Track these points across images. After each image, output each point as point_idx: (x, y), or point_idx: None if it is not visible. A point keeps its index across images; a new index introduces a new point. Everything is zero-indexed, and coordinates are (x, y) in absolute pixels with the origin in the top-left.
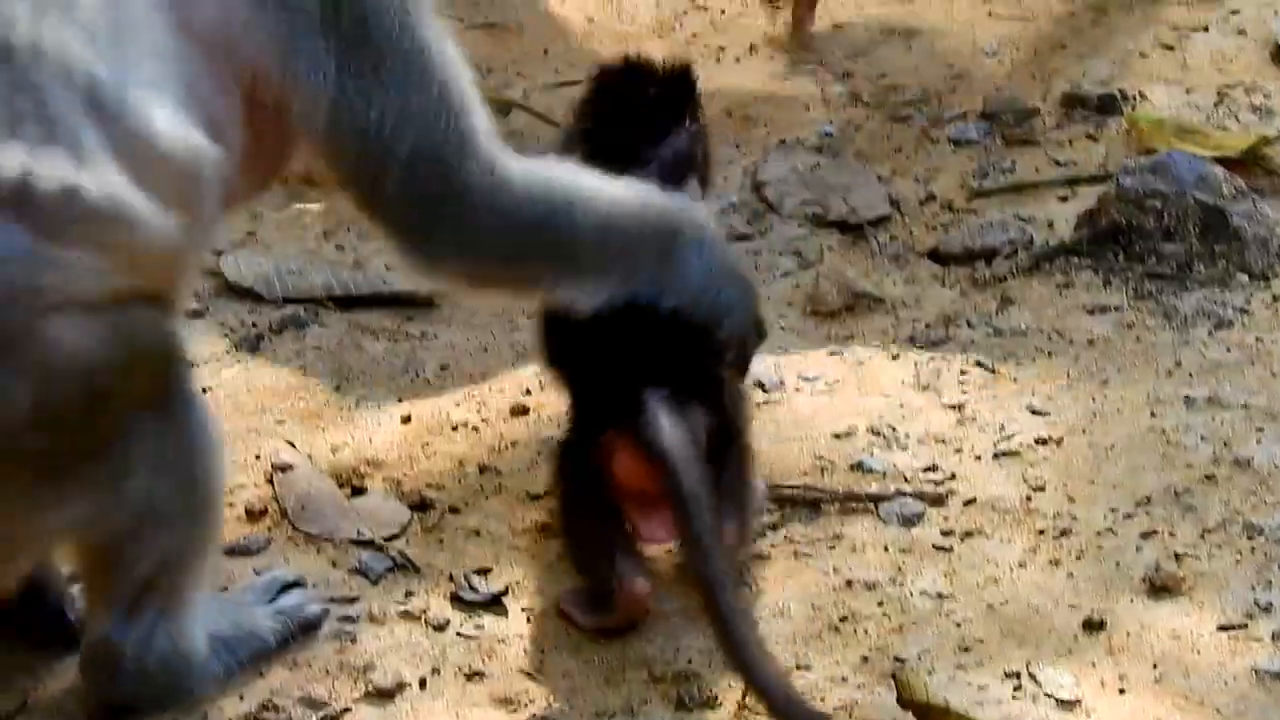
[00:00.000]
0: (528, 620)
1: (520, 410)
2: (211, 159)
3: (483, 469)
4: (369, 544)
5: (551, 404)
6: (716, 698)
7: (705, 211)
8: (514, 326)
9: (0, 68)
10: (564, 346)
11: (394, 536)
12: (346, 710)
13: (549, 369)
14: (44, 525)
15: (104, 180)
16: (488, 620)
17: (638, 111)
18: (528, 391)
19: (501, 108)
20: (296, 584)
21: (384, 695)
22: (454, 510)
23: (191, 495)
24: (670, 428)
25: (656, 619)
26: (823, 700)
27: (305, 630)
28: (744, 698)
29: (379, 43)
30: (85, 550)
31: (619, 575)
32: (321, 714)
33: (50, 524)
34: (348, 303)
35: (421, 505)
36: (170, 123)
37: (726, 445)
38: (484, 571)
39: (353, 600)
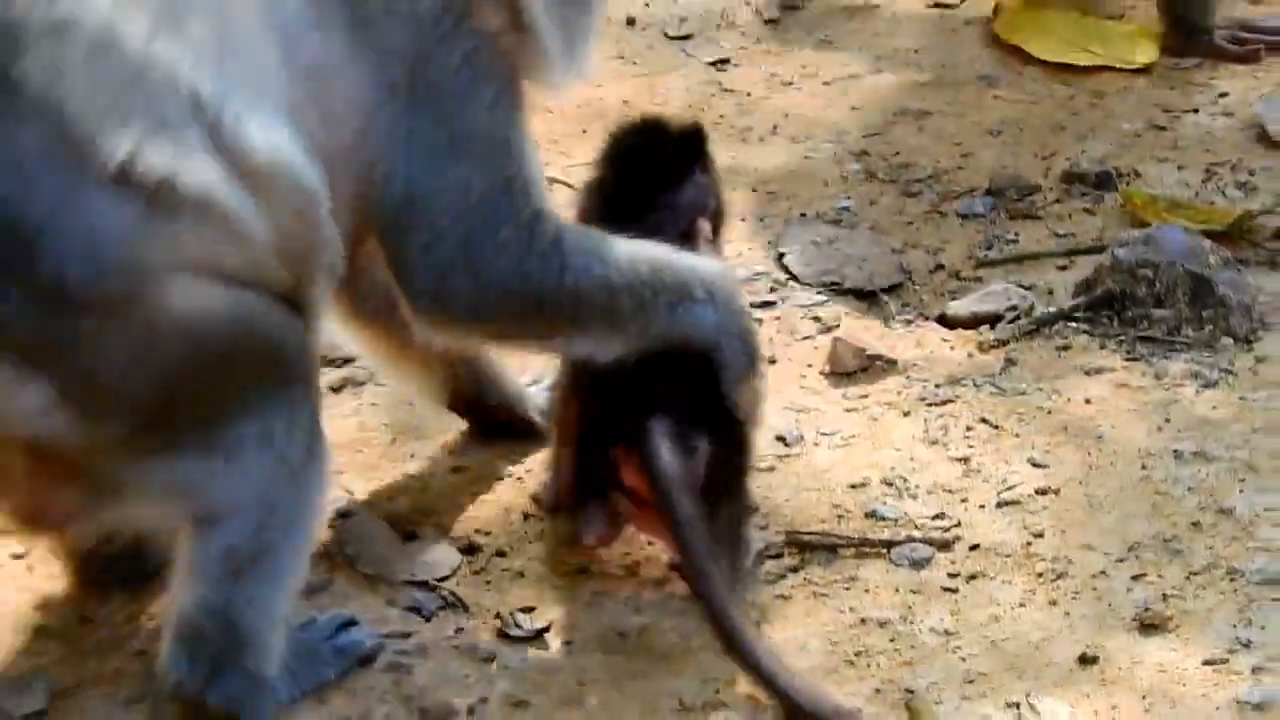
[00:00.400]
0: (568, 654)
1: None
2: (312, 178)
3: (526, 516)
4: (422, 584)
5: None
6: None
7: (721, 268)
8: None
9: (118, 71)
10: (580, 374)
11: (445, 577)
12: None
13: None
14: (147, 476)
15: (202, 173)
16: (531, 653)
17: (652, 163)
18: None
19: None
20: (354, 622)
21: None
22: (500, 554)
23: (293, 501)
24: (669, 456)
25: (686, 654)
26: None
27: (362, 664)
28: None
29: (448, 111)
30: (187, 528)
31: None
32: None
33: (154, 477)
34: None
35: (470, 549)
36: (266, 138)
37: (727, 478)
38: (528, 610)
39: (407, 635)
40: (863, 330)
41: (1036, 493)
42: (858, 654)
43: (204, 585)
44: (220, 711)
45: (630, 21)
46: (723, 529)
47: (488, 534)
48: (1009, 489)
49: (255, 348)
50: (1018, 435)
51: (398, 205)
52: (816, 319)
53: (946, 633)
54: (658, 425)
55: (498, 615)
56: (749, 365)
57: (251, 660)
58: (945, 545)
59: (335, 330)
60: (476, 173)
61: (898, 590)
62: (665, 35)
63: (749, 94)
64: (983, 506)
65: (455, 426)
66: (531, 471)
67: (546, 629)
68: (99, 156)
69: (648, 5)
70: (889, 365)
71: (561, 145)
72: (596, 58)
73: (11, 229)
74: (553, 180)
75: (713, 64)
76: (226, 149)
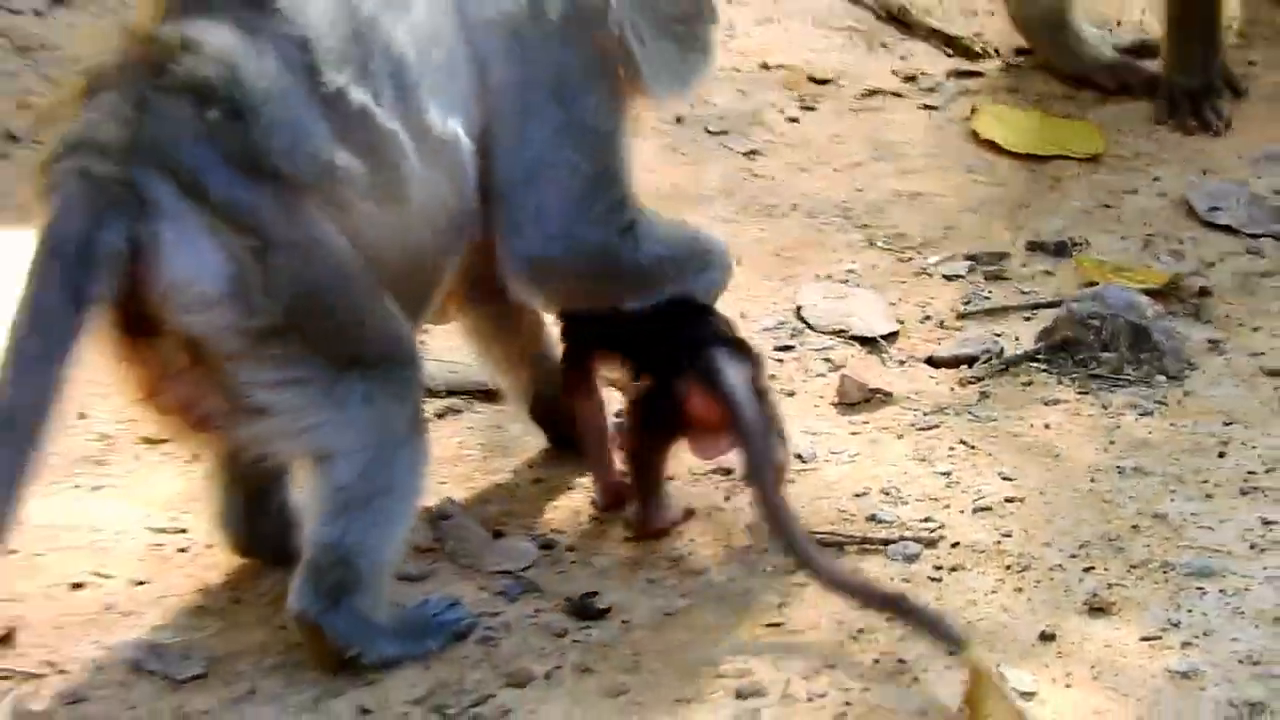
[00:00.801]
0: (626, 630)
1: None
2: (469, 156)
3: (592, 518)
4: (507, 573)
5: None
6: (765, 690)
7: (720, 241)
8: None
9: (348, 23)
10: (629, 335)
11: (526, 568)
12: (490, 695)
13: (608, 359)
14: (275, 396)
15: (387, 121)
16: (595, 630)
17: None
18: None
19: None
20: (456, 603)
21: (518, 685)
22: (570, 548)
23: (396, 465)
24: (734, 372)
25: (722, 630)
26: (846, 691)
27: (459, 637)
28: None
29: (567, 105)
30: (309, 466)
31: (660, 504)
32: (472, 697)
33: (280, 397)
34: (491, 396)
35: (547, 544)
36: (443, 116)
37: (760, 390)
38: (593, 594)
39: (496, 614)
40: (865, 369)
41: (1005, 500)
42: (860, 631)
43: (319, 520)
44: (334, 643)
45: (679, 119)
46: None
47: (561, 532)
48: (983, 497)
49: (379, 314)
50: (990, 454)
51: (517, 179)
52: (828, 360)
53: None
54: (717, 352)
55: (568, 598)
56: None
57: (361, 601)
58: (931, 543)
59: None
60: (583, 158)
61: (892, 579)
62: (707, 130)
63: (774, 178)
64: (962, 511)
65: (535, 446)
66: None
67: (608, 610)
68: (319, 78)
69: (692, 107)
70: (886, 397)
71: None
72: (700, 88)
73: (243, 100)
74: None
75: (745, 154)
76: (411, 113)
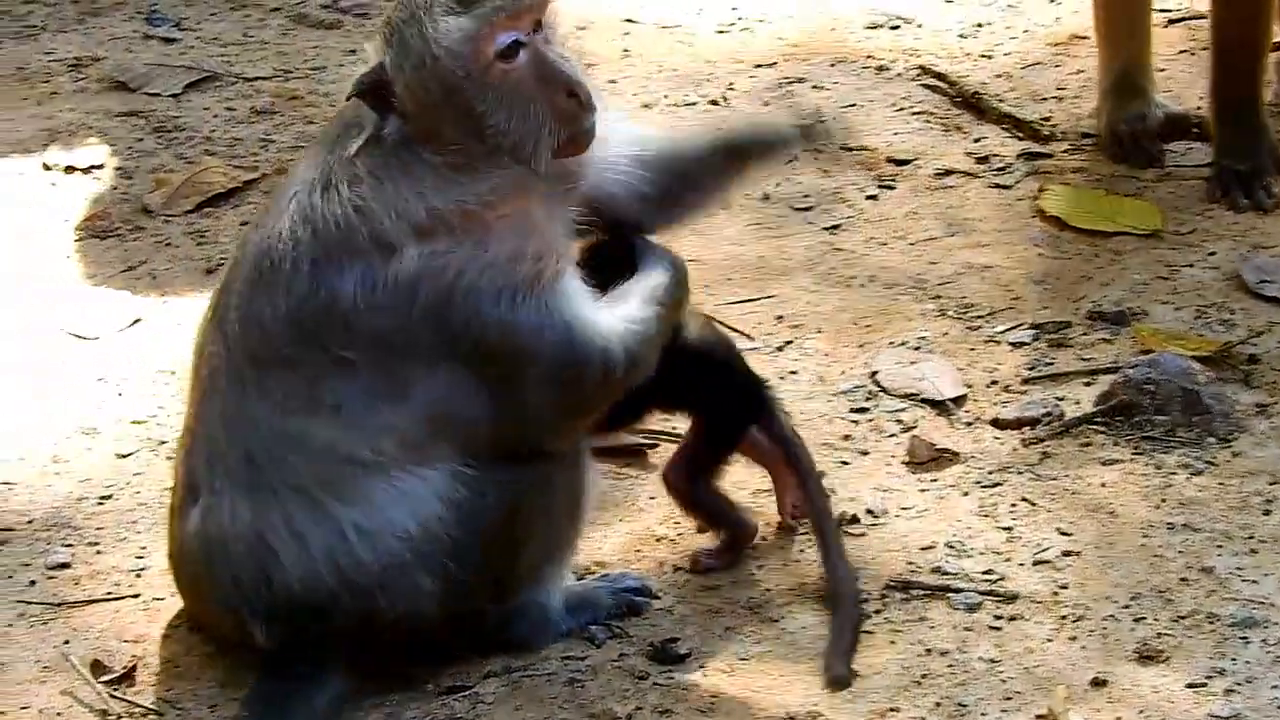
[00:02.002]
0: (704, 674)
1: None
2: None
3: (675, 569)
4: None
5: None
6: None
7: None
8: None
9: None
10: (685, 392)
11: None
12: None
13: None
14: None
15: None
16: (675, 674)
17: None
18: None
19: None
20: (636, 584)
21: None
22: (654, 596)
23: (568, 483)
24: (784, 416)
25: (795, 675)
26: None
27: (631, 612)
28: None
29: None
30: None
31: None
32: None
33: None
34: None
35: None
36: None
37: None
38: (673, 640)
39: (583, 658)
40: (934, 430)
41: (1063, 554)
42: (924, 676)
43: None
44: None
45: (765, 197)
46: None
47: (645, 581)
48: (1042, 551)
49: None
50: (1050, 511)
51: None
52: (899, 421)
53: (991, 661)
54: (768, 396)
55: (651, 643)
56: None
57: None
58: (992, 594)
59: None
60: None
61: (955, 628)
62: (791, 207)
63: (853, 251)
64: (1022, 564)
65: (622, 499)
66: (682, 535)
67: (688, 654)
68: None
69: (778, 185)
70: (953, 457)
71: (712, 289)
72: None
73: None
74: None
75: (826, 229)
76: None
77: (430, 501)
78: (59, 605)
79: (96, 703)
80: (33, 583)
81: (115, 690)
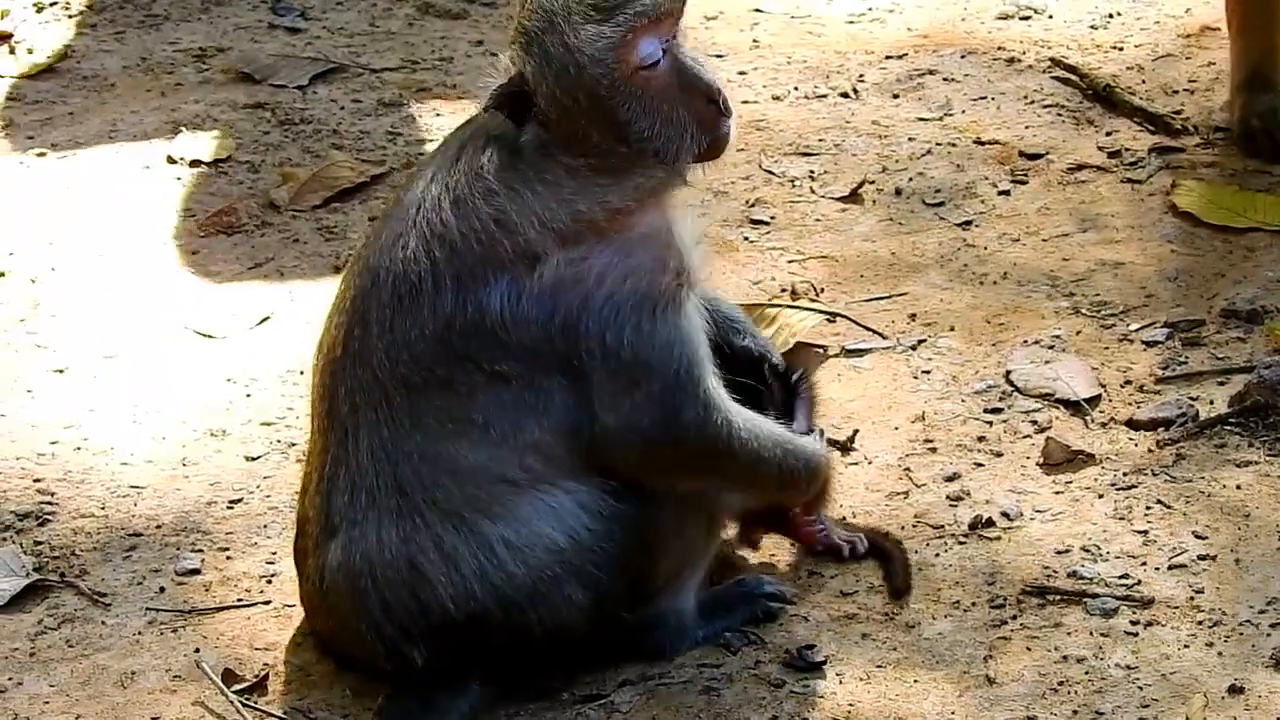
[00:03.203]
0: (840, 681)
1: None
2: None
3: (810, 573)
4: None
5: None
6: None
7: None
8: None
9: None
10: None
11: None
12: None
13: None
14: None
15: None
16: (812, 681)
17: None
18: None
19: (829, 317)
20: (769, 590)
21: None
22: (789, 602)
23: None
24: None
25: (929, 682)
26: None
27: (767, 618)
28: None
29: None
30: None
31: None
32: None
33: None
34: None
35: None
36: None
37: None
38: (810, 647)
39: (718, 666)
40: (1069, 431)
41: (1199, 558)
42: (1060, 683)
43: None
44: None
45: (898, 192)
46: None
47: (781, 588)
48: (1178, 555)
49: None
50: (1185, 514)
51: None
52: (1034, 422)
53: (1128, 667)
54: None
55: (787, 650)
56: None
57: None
58: (1129, 599)
59: None
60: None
61: (1091, 634)
62: (924, 203)
63: (985, 248)
64: (1158, 569)
65: None
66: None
67: (824, 662)
68: None
69: (910, 180)
70: (1088, 458)
71: (844, 286)
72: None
73: None
74: (839, 315)
75: (959, 224)
76: None
77: (576, 514)
78: (189, 613)
79: (229, 713)
80: (162, 589)
81: (247, 700)
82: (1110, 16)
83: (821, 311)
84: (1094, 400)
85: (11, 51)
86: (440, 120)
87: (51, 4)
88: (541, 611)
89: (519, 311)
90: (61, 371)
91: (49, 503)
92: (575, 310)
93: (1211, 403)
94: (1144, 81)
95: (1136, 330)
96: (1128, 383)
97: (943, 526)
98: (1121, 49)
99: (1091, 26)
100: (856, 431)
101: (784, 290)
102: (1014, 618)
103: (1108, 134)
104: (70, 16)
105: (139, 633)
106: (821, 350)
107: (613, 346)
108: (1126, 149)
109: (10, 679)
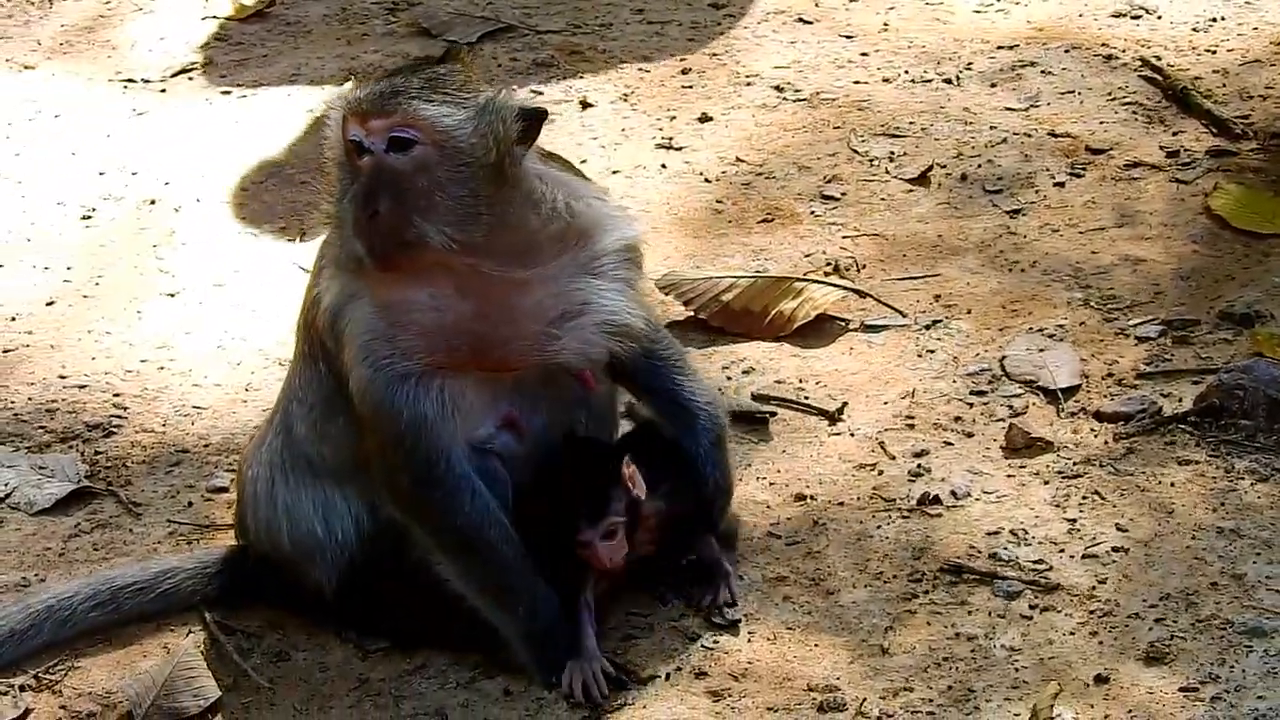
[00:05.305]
0: (748, 640)
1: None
2: None
3: (769, 534)
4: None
5: None
6: (845, 705)
7: None
8: None
9: None
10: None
11: None
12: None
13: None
14: None
15: None
16: (723, 638)
17: None
18: None
19: (859, 294)
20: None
21: (641, 681)
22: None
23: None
24: None
25: (829, 647)
26: (914, 714)
27: None
28: None
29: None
30: None
31: None
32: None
33: None
34: None
35: None
36: None
37: None
38: (730, 604)
39: (646, 615)
40: (1039, 418)
41: (1112, 550)
42: (945, 659)
43: None
44: None
45: (963, 177)
46: None
47: None
48: (1095, 545)
49: None
50: (1115, 506)
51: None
52: (1010, 407)
53: (1012, 649)
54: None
55: (714, 607)
56: None
57: None
58: (1035, 584)
59: None
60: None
61: (990, 614)
62: (984, 188)
63: (1025, 236)
64: (1072, 556)
65: None
66: (769, 505)
67: (739, 621)
68: None
69: (979, 167)
70: (1046, 445)
71: (885, 264)
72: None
73: None
74: (866, 294)
75: (1008, 212)
76: None
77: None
78: (207, 527)
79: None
80: (190, 504)
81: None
82: (1214, 20)
83: (846, 288)
84: (1071, 390)
85: None
86: (581, 82)
87: None
88: None
89: None
90: (173, 295)
91: (119, 417)
92: None
93: (1180, 401)
94: (1224, 85)
95: (1134, 325)
96: (1109, 375)
97: (894, 500)
98: (1214, 52)
99: (1194, 29)
100: (846, 404)
101: (829, 264)
102: (926, 593)
103: (1174, 134)
104: None
105: (158, 542)
106: (843, 324)
107: None
108: (1185, 149)
109: (37, 575)
